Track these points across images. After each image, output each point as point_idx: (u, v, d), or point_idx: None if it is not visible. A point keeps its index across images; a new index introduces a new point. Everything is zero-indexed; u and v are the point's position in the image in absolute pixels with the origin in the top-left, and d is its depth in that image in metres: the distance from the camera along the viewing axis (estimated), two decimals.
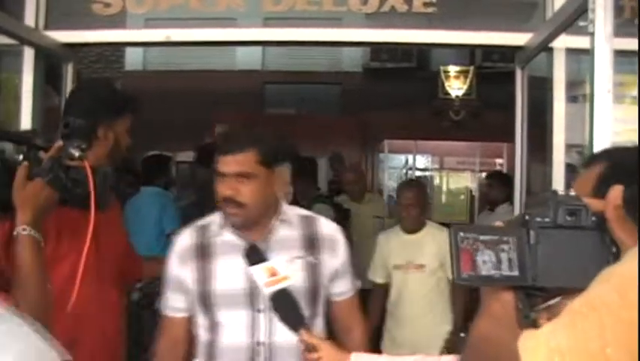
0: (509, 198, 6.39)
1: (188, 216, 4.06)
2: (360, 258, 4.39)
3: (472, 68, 11.77)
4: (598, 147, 2.71)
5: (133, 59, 12.71)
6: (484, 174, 12.62)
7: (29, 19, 3.92)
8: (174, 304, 2.52)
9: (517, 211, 4.17)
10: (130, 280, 3.06)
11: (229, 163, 2.37)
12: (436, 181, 12.97)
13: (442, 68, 11.84)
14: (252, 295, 2.36)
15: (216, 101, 10.75)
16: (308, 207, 6.01)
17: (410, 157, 13.11)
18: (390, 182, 12.51)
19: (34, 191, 1.93)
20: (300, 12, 4.11)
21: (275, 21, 4.60)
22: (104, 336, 2.50)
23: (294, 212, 2.57)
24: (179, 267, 2.48)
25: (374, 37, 4.35)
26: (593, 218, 1.27)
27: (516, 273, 1.26)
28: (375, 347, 4.29)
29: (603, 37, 2.73)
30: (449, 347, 4.30)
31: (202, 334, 2.48)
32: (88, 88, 2.86)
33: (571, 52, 3.77)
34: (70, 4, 4.32)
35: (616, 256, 1.13)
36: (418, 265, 4.54)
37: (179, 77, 11.41)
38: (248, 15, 4.31)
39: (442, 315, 4.57)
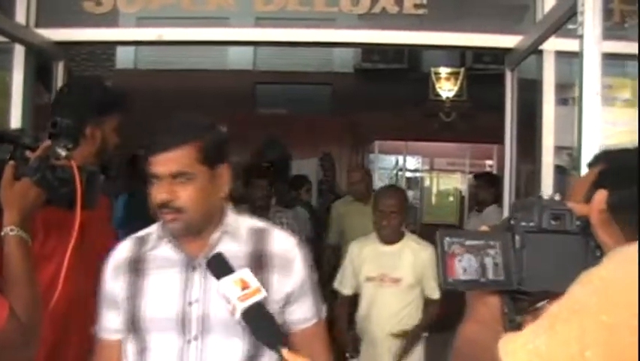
0: (498, 200, 6.41)
1: None
2: None
3: (462, 69, 11.78)
4: (587, 149, 2.73)
5: (124, 58, 12.67)
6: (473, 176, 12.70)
7: (20, 17, 3.92)
8: (108, 324, 2.15)
9: (506, 213, 4.18)
10: None
11: (163, 162, 1.96)
12: (426, 182, 12.99)
13: (432, 69, 11.86)
14: (183, 320, 1.99)
15: (207, 100, 10.72)
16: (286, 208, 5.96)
17: (400, 158, 13.12)
18: (380, 183, 12.52)
19: (21, 191, 1.93)
20: (292, 12, 4.12)
21: (266, 21, 4.60)
22: (90, 335, 2.50)
23: (244, 224, 2.15)
24: (112, 281, 2.12)
25: (365, 38, 4.37)
26: (578, 222, 1.28)
27: (502, 277, 1.27)
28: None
29: (592, 40, 2.75)
30: (403, 336, 4.16)
31: (130, 359, 2.11)
32: (75, 86, 2.85)
33: (560, 54, 3.79)
34: (61, 2, 4.32)
35: (600, 260, 1.14)
36: (393, 279, 4.16)
37: (170, 76, 11.39)
38: (239, 15, 4.31)
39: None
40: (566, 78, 3.86)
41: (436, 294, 4.15)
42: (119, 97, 2.71)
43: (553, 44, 3.72)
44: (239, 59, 12.30)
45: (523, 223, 1.30)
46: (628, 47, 3.97)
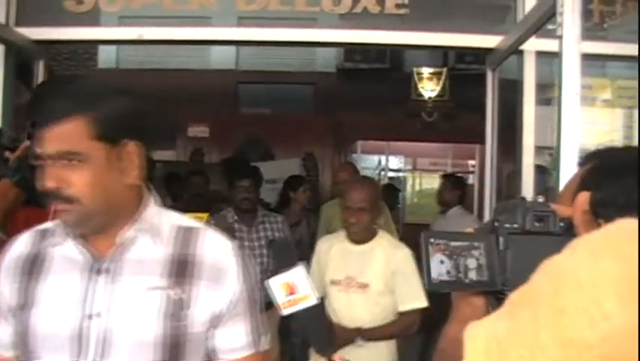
0: (462, 201, 6.51)
1: None
2: None
3: (445, 69, 11.81)
4: (566, 149, 2.75)
5: (106, 57, 12.61)
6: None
7: (0, 16, 3.89)
8: None
9: (486, 212, 4.20)
10: None
11: (47, 140, 1.53)
12: (409, 182, 13.02)
13: (415, 69, 11.88)
14: (80, 338, 1.56)
15: (190, 100, 10.71)
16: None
17: (383, 158, 13.14)
18: None
19: (1, 191, 1.92)
20: (274, 12, 4.12)
21: (248, 20, 4.61)
22: None
23: (168, 220, 1.70)
24: (2, 284, 1.68)
25: (347, 38, 4.37)
26: (561, 224, 1.30)
27: (486, 278, 1.28)
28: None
29: (571, 40, 2.77)
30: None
31: None
32: (51, 85, 2.84)
33: (541, 55, 3.81)
34: (41, 1, 4.30)
35: None
36: (360, 284, 3.59)
37: (153, 75, 11.32)
38: (221, 14, 4.31)
39: (388, 356, 3.65)
40: (547, 78, 3.89)
41: (408, 305, 3.59)
42: None
43: (533, 45, 3.74)
44: (221, 59, 12.27)
45: (507, 225, 1.31)
46: (608, 48, 4.01)
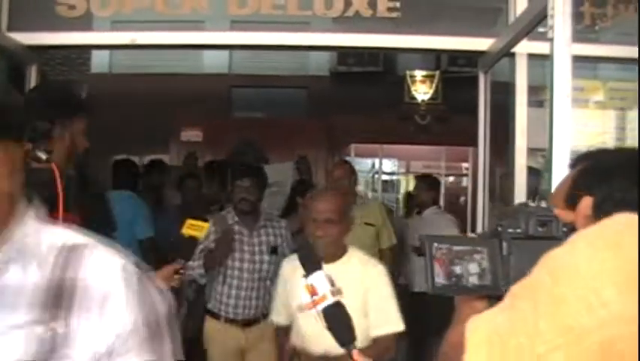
0: (436, 202, 6.77)
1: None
2: None
3: (437, 72, 11.84)
4: (558, 151, 2.76)
5: (99, 62, 12.60)
6: (450, 178, 12.78)
7: None
8: None
9: (480, 213, 4.21)
10: None
11: None
12: (402, 185, 13.05)
13: (408, 72, 11.91)
14: None
15: (183, 104, 10.71)
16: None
17: (376, 161, 13.17)
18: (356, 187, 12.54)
19: None
20: (266, 16, 4.12)
21: (241, 24, 4.61)
22: None
23: (48, 238, 1.24)
24: None
25: (339, 42, 4.37)
26: (564, 228, 1.31)
27: (489, 282, 1.29)
28: None
29: (562, 42, 2.78)
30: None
31: None
32: (41, 89, 2.84)
33: (533, 57, 3.82)
34: (34, 6, 4.28)
35: None
36: None
37: (146, 80, 11.32)
38: (214, 18, 4.31)
39: None
40: (539, 81, 3.90)
41: (382, 328, 3.25)
42: (85, 100, 2.69)
43: (525, 47, 3.75)
44: (214, 63, 12.28)
45: (510, 230, 1.32)
46: (599, 50, 4.03)
